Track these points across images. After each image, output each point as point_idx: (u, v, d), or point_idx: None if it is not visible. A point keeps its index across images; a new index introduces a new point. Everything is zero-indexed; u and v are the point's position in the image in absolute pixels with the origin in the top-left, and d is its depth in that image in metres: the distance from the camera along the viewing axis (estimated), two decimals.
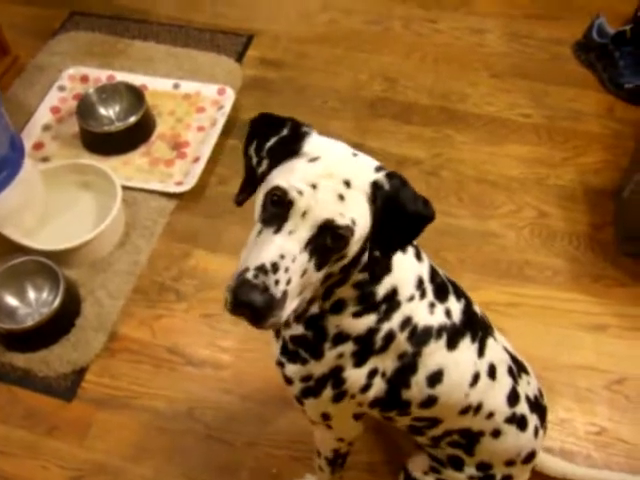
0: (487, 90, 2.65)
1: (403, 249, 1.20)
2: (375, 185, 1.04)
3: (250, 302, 0.98)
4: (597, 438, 1.84)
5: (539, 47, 2.79)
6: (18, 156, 2.08)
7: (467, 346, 1.31)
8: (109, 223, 2.10)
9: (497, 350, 1.40)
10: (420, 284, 1.23)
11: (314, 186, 1.01)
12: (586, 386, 1.92)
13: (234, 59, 2.72)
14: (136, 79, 2.56)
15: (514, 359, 1.47)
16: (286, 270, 0.99)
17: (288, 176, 1.03)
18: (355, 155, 1.08)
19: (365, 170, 1.06)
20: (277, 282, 0.98)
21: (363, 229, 1.04)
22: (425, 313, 1.24)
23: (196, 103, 2.53)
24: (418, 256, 1.26)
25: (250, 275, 0.98)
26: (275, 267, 0.99)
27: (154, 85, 2.58)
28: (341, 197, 1.01)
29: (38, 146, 2.44)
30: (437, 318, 1.26)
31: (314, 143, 1.08)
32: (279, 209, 1.01)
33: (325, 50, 2.79)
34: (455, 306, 1.30)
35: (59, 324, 2.00)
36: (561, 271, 2.15)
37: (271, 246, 1.00)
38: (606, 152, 2.45)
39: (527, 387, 1.47)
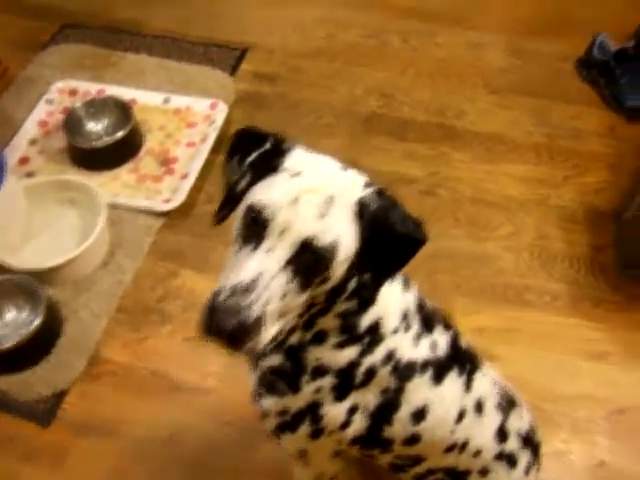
0: (486, 107, 2.58)
1: (393, 275, 1.12)
2: (362, 203, 0.98)
3: (222, 327, 0.91)
4: (597, 471, 1.77)
5: (540, 63, 2.72)
6: None
7: (453, 380, 1.24)
8: (93, 241, 2.04)
9: (485, 384, 1.34)
10: (405, 316, 1.17)
11: (294, 202, 0.95)
12: (585, 416, 1.85)
13: (228, 73, 2.66)
14: (126, 93, 2.51)
15: (504, 392, 1.40)
16: (264, 290, 0.93)
17: (267, 192, 0.97)
18: (343, 170, 1.02)
19: (352, 187, 1.00)
20: (253, 303, 0.92)
21: (348, 250, 0.98)
22: (410, 347, 1.17)
23: (187, 118, 2.47)
24: (405, 285, 1.19)
25: (223, 296, 0.92)
26: (251, 287, 0.92)
27: (144, 99, 2.53)
28: (324, 214, 0.95)
29: (24, 161, 2.38)
30: (422, 352, 1.19)
31: (297, 158, 1.02)
32: (257, 226, 0.95)
33: (320, 64, 2.73)
34: (441, 338, 1.24)
35: (39, 345, 1.94)
36: (560, 295, 2.08)
37: (248, 264, 0.94)
38: (608, 172, 2.38)
39: (519, 421, 1.40)
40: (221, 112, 2.45)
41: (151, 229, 2.19)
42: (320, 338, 1.11)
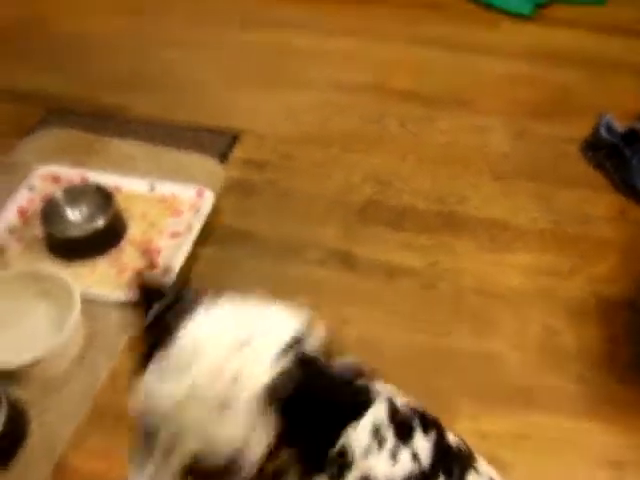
0: (489, 193, 2.46)
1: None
2: (272, 388, 0.82)
3: None
4: None
5: (544, 146, 2.62)
6: None
7: None
8: (64, 339, 1.89)
9: None
10: (377, 430, 1.01)
11: (183, 402, 0.79)
12: None
13: (217, 159, 2.55)
14: (110, 180, 2.40)
15: None
16: None
17: (151, 389, 0.82)
18: (263, 321, 0.86)
19: (267, 355, 0.83)
20: None
21: (258, 447, 0.82)
22: (387, 465, 1.01)
23: (172, 206, 2.35)
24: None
25: None
26: None
27: (128, 186, 2.41)
28: (221, 412, 0.79)
29: (0, 250, 2.25)
30: (402, 467, 1.03)
31: (197, 324, 0.85)
32: (143, 435, 0.82)
33: (314, 150, 2.62)
34: (423, 444, 1.07)
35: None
36: (573, 396, 1.91)
37: None
38: (619, 258, 2.24)
39: None
40: (207, 200, 2.33)
41: (128, 326, 2.04)
42: (277, 475, 0.94)
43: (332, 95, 2.86)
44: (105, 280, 2.15)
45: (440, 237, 2.30)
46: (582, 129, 2.62)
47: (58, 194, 2.28)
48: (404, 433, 1.05)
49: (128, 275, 2.15)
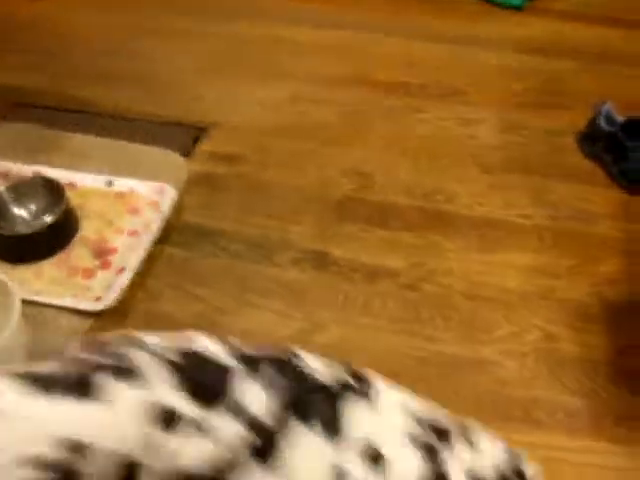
0: (479, 188, 2.29)
1: None
2: None
3: None
4: None
5: (537, 139, 2.46)
6: None
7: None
8: (1, 348, 1.68)
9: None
10: (154, 411, 0.81)
11: None
12: None
13: (182, 153, 2.37)
14: (64, 175, 2.21)
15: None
16: None
17: None
18: None
19: None
20: None
21: None
22: (196, 446, 0.81)
23: (130, 203, 2.16)
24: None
25: None
26: None
27: (85, 182, 2.22)
28: None
29: None
30: (226, 435, 0.82)
31: None
32: None
33: (290, 143, 2.45)
34: (255, 395, 0.85)
35: None
36: (576, 411, 1.72)
37: None
38: (622, 258, 2.08)
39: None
40: (168, 197, 2.14)
41: (77, 332, 1.84)
42: None
43: (312, 87, 2.69)
44: (52, 284, 1.96)
45: (425, 235, 2.13)
46: (577, 121, 2.47)
47: (2, 190, 2.10)
48: (215, 390, 0.85)
49: (77, 278, 1.96)
